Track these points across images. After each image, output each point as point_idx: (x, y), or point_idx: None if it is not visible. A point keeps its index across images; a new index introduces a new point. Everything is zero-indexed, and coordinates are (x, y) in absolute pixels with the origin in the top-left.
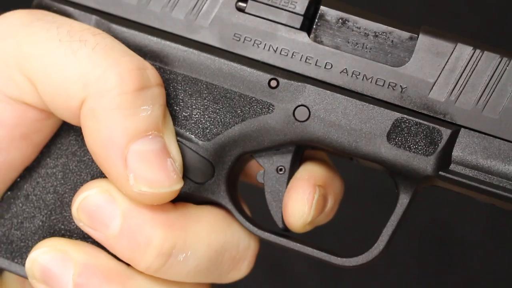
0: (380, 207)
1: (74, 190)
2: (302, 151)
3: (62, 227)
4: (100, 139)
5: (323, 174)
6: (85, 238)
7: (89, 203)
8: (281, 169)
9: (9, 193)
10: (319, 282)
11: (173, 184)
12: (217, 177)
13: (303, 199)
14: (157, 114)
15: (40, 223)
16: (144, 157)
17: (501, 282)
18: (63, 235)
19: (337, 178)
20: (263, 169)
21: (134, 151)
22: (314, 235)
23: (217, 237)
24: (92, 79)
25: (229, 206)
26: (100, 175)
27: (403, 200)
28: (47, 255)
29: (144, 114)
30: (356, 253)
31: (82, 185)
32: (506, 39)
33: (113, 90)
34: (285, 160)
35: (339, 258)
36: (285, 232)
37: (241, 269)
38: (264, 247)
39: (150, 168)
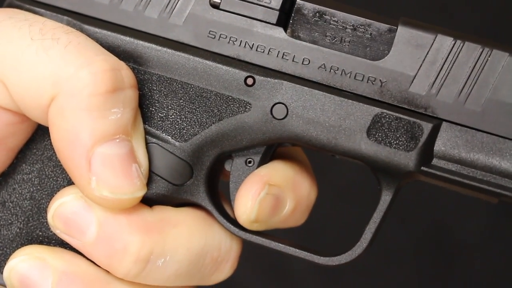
0: (365, 204)
1: (51, 195)
2: (275, 146)
3: (40, 233)
4: (66, 139)
5: (285, 174)
6: (64, 244)
7: (65, 210)
8: (250, 162)
9: None
10: (319, 282)
11: (136, 191)
12: (196, 178)
13: (248, 195)
14: (127, 117)
15: (18, 230)
16: (108, 161)
17: (501, 283)
18: (41, 242)
19: (305, 182)
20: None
21: (99, 154)
22: (299, 234)
23: (197, 240)
24: (64, 77)
25: (209, 207)
26: None
27: (386, 196)
28: (25, 264)
29: (114, 117)
30: (340, 251)
31: (59, 191)
32: (505, 39)
33: (85, 90)
34: (256, 153)
35: (322, 258)
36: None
37: (224, 271)
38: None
39: (114, 173)
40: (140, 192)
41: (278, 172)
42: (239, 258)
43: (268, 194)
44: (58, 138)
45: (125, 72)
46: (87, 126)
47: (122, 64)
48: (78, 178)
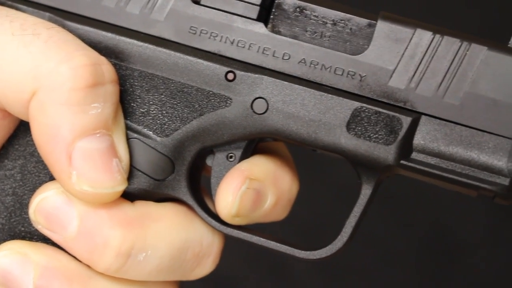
0: (346, 199)
1: (33, 191)
2: (256, 141)
3: (22, 229)
4: (46, 134)
5: (266, 169)
6: (46, 240)
7: (46, 205)
8: (231, 156)
9: None
10: (319, 282)
11: (116, 185)
12: (177, 173)
13: (228, 189)
14: (108, 112)
15: (0, 226)
16: (89, 155)
17: (501, 283)
18: (23, 237)
19: (286, 177)
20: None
21: (80, 148)
22: (279, 229)
23: (178, 234)
24: (44, 72)
25: (191, 202)
26: None
27: (366, 190)
28: (7, 259)
29: (94, 112)
30: (321, 246)
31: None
32: (505, 40)
33: (65, 85)
34: (237, 148)
35: (302, 252)
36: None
37: (206, 266)
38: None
39: (94, 167)
40: (121, 187)
41: (259, 167)
42: (241, 259)
43: (249, 188)
44: (39, 133)
45: (106, 67)
46: (68, 120)
47: (102, 59)
48: (58, 173)
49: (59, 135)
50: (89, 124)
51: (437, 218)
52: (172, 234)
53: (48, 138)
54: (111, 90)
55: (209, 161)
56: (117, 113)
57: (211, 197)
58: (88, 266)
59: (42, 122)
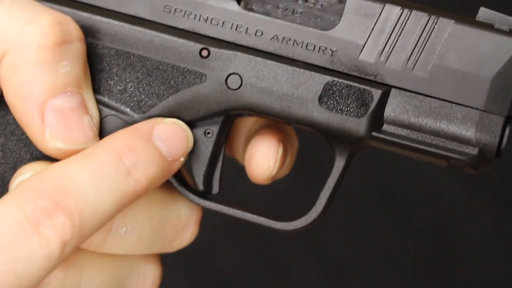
0: (322, 173)
1: (14, 169)
2: (233, 117)
3: None
4: (19, 93)
5: (283, 131)
6: None
7: None
8: (208, 132)
9: None
10: (319, 282)
11: (89, 141)
12: None
13: (268, 154)
14: (77, 70)
15: None
16: (61, 113)
17: (501, 282)
18: None
19: (294, 135)
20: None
21: (52, 106)
22: (257, 202)
23: (157, 208)
24: (12, 33)
25: None
26: (39, 152)
27: (339, 162)
28: None
29: (64, 70)
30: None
31: (22, 163)
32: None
33: (33, 44)
34: (214, 124)
35: (278, 223)
36: (206, 194)
37: (184, 238)
38: (265, 246)
39: (67, 124)
40: (93, 143)
41: (278, 130)
42: (241, 259)
43: (282, 150)
44: (11, 93)
45: (72, 26)
46: (39, 79)
47: (68, 18)
48: (32, 131)
49: (32, 94)
50: (60, 82)
51: (436, 216)
52: (151, 208)
53: (20, 97)
54: (78, 48)
55: None
56: (85, 72)
57: (188, 171)
58: None
59: (14, 82)
